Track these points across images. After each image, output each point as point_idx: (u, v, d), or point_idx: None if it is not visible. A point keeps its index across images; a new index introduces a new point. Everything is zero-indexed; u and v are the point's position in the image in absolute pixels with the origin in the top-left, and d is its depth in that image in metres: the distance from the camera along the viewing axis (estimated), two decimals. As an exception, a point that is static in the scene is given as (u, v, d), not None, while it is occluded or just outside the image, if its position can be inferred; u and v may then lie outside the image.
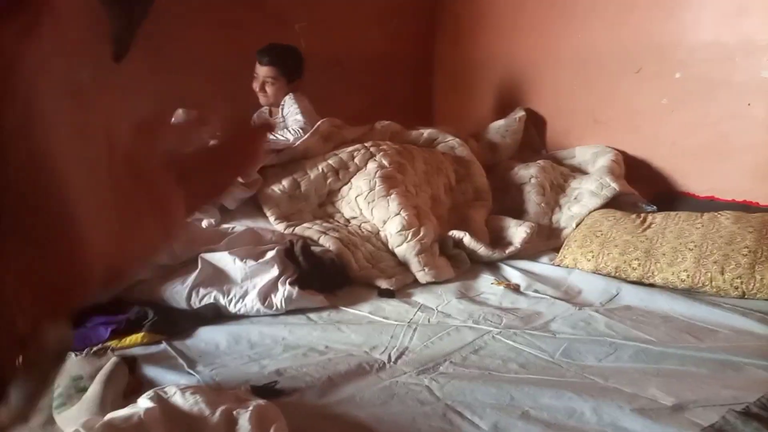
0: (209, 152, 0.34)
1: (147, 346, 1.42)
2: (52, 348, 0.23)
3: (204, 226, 1.98)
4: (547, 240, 2.24)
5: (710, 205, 2.21)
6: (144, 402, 1.03)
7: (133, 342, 1.43)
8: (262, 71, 2.37)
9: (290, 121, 2.35)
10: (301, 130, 2.29)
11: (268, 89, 2.38)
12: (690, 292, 1.78)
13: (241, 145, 0.35)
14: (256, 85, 2.40)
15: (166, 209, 0.30)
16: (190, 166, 0.32)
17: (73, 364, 1.25)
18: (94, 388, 1.12)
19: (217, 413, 1.02)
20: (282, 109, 2.42)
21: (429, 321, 1.62)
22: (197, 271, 1.66)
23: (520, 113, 2.92)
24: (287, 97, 2.40)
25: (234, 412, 1.03)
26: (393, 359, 1.38)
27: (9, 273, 0.22)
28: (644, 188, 2.44)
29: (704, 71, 2.30)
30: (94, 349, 1.34)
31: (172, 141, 0.32)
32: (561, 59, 2.85)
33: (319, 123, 2.28)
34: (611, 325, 1.56)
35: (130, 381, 1.21)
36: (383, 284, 1.84)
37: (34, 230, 0.23)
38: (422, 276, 1.91)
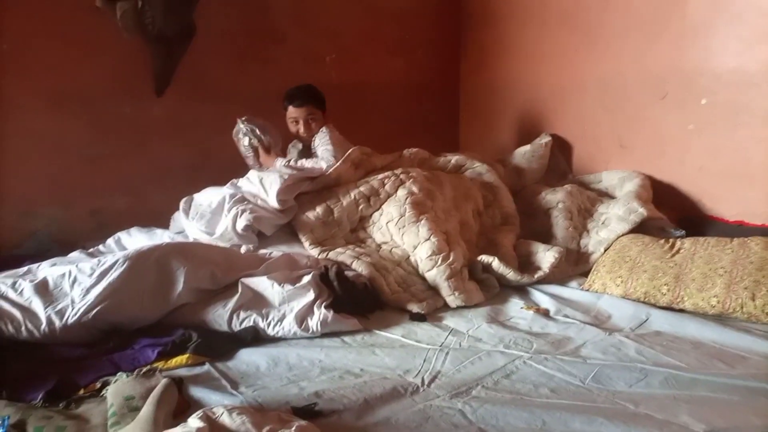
0: None
1: (191, 368, 1.48)
2: None
3: (243, 252, 2.05)
4: (575, 265, 2.25)
5: (739, 229, 2.21)
6: (194, 422, 1.09)
7: (179, 363, 1.49)
8: (302, 112, 2.49)
9: (321, 150, 2.44)
10: (333, 158, 2.37)
11: (313, 125, 2.50)
12: (720, 318, 1.77)
13: None
14: (298, 127, 2.51)
15: None
16: None
17: (125, 384, 1.32)
18: (147, 408, 1.18)
19: (263, 433, 1.07)
20: (314, 141, 2.51)
21: (460, 345, 1.64)
22: (237, 294, 1.73)
23: (545, 138, 2.95)
24: (320, 130, 2.50)
25: (278, 433, 1.07)
26: (426, 383, 1.41)
27: None
28: (672, 213, 2.44)
29: (729, 97, 2.31)
30: (143, 370, 1.41)
31: None
32: (586, 85, 2.88)
33: (350, 151, 2.36)
34: (641, 351, 1.57)
35: (178, 401, 1.27)
36: (414, 308, 1.88)
37: None
38: (452, 300, 1.95)
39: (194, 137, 2.80)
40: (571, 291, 2.05)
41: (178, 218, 2.33)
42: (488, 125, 3.44)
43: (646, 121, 2.63)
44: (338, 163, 2.32)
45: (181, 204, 2.30)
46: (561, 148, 3.01)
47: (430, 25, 3.48)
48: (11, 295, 1.64)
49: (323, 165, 2.35)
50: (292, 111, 2.52)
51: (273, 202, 2.15)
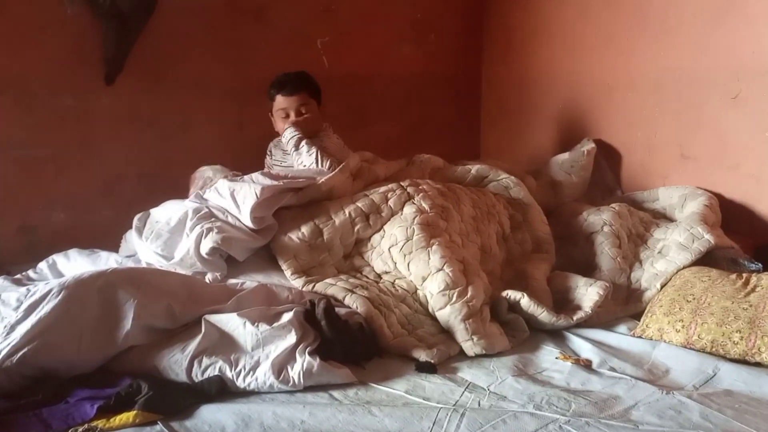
0: None
1: (140, 428, 1.46)
2: None
3: (208, 282, 2.05)
4: (624, 304, 2.24)
5: (831, 263, 2.20)
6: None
7: (124, 422, 1.47)
8: (293, 101, 2.54)
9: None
10: (322, 162, 2.40)
11: (307, 116, 2.54)
12: (808, 375, 1.76)
13: None
14: (287, 122, 2.54)
15: None
16: None
17: (55, 447, 1.31)
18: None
19: None
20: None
21: (479, 404, 1.63)
22: (200, 336, 1.72)
23: (588, 145, 2.96)
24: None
25: None
26: (436, 452, 1.40)
27: None
28: (746, 240, 2.44)
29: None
30: (79, 429, 1.39)
31: None
32: (638, 80, 2.90)
33: (349, 158, 2.38)
34: (707, 415, 1.56)
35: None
36: (422, 356, 1.87)
37: None
38: (470, 347, 1.94)
39: (152, 137, 2.81)
40: (619, 337, 2.04)
41: (131, 238, 2.33)
42: (517, 128, 3.45)
43: (713, 125, 2.64)
44: (334, 173, 2.32)
45: (135, 221, 2.30)
46: (607, 157, 3.02)
47: (447, 4, 3.51)
48: None
49: (309, 160, 2.40)
50: (280, 101, 2.55)
51: (246, 220, 2.15)
